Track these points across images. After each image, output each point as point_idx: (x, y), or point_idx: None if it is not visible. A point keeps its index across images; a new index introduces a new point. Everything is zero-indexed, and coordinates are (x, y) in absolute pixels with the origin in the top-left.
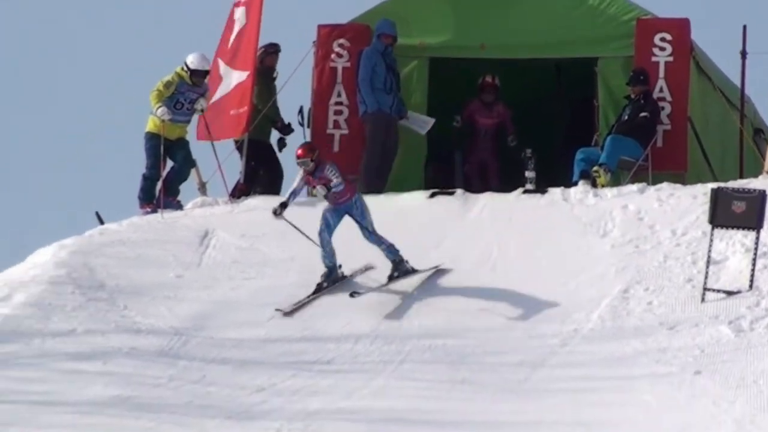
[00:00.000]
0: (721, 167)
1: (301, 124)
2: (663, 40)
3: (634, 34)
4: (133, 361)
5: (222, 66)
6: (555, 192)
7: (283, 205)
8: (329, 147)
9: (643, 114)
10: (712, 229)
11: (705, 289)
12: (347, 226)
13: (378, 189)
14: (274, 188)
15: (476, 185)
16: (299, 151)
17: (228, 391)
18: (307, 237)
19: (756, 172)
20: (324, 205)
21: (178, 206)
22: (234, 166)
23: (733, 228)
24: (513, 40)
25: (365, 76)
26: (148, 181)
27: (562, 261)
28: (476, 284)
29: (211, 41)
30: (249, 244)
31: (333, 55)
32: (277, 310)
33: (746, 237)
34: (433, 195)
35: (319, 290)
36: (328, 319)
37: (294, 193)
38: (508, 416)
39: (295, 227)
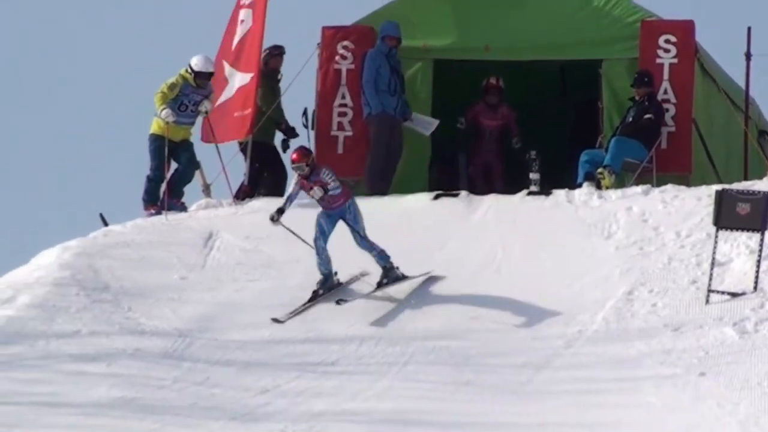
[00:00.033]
0: (725, 169)
1: (306, 126)
2: (667, 42)
3: (639, 36)
4: (138, 362)
5: (227, 68)
6: (559, 194)
7: (280, 211)
8: (333, 149)
9: (647, 116)
10: (717, 230)
11: (709, 290)
12: (341, 232)
13: (382, 190)
14: (278, 190)
15: (480, 187)
16: (294, 156)
17: (232, 393)
18: (305, 242)
19: (760, 174)
20: (318, 209)
21: (183, 208)
22: (238, 168)
23: (737, 230)
24: (517, 42)
25: (369, 78)
26: (153, 182)
27: (566, 263)
28: (480, 286)
29: (213, 41)
30: (253, 245)
31: (337, 57)
32: (273, 319)
33: (751, 239)
34: (437, 197)
35: (315, 297)
36: (333, 321)
37: (290, 199)
38: (512, 418)
39: (292, 233)
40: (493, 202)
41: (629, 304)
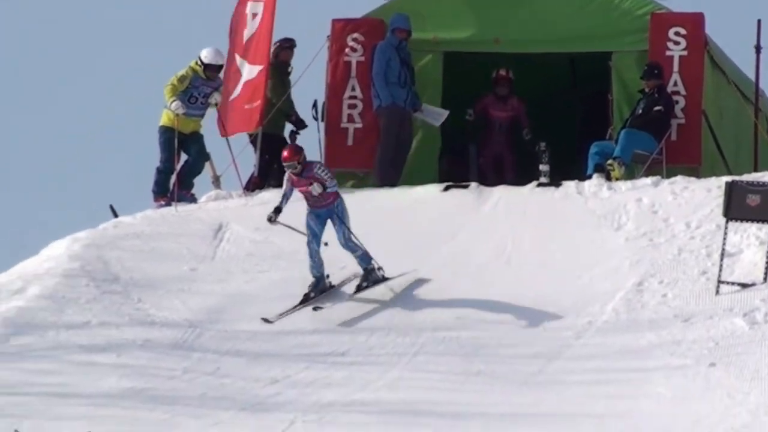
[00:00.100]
0: (735, 161)
1: (315, 118)
2: (677, 34)
3: (649, 29)
4: (147, 353)
5: (238, 59)
6: (569, 185)
7: (278, 210)
8: (343, 141)
9: (657, 108)
10: (727, 222)
11: (719, 281)
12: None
13: (392, 182)
14: None
15: (491, 178)
16: (285, 154)
17: (242, 384)
18: (305, 234)
19: None
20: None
21: (192, 199)
22: (248, 160)
23: (747, 221)
24: (527, 35)
25: (379, 70)
26: (163, 174)
27: (576, 254)
28: (490, 277)
29: (218, 31)
30: (263, 237)
31: (347, 50)
32: (263, 319)
33: (761, 230)
34: (447, 188)
35: (306, 300)
36: (342, 312)
37: (286, 197)
38: (522, 408)
39: (292, 228)
40: (503, 193)
41: (639, 295)
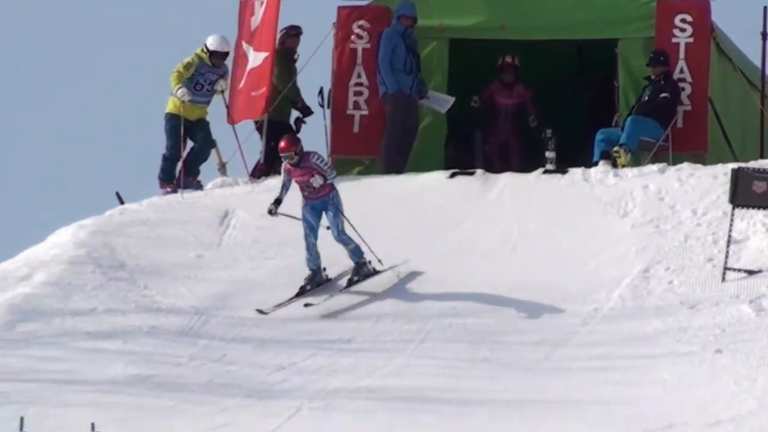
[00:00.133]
0: (741, 147)
1: (321, 105)
2: (683, 21)
3: (655, 16)
4: (154, 340)
5: (245, 46)
6: (575, 172)
7: (278, 202)
8: (349, 128)
9: (663, 95)
10: (733, 208)
11: (726, 268)
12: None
13: (398, 169)
14: None
15: (497, 165)
16: (282, 145)
17: (248, 370)
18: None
19: None
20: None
21: (198, 186)
22: (254, 147)
23: (753, 208)
24: (533, 22)
25: (385, 57)
26: (169, 161)
27: (582, 241)
28: (496, 264)
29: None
30: (269, 223)
31: (353, 37)
32: (257, 310)
33: (767, 217)
34: (453, 175)
35: (302, 293)
36: (349, 298)
37: (285, 187)
38: (529, 395)
39: (294, 218)
40: (509, 180)
41: (645, 282)
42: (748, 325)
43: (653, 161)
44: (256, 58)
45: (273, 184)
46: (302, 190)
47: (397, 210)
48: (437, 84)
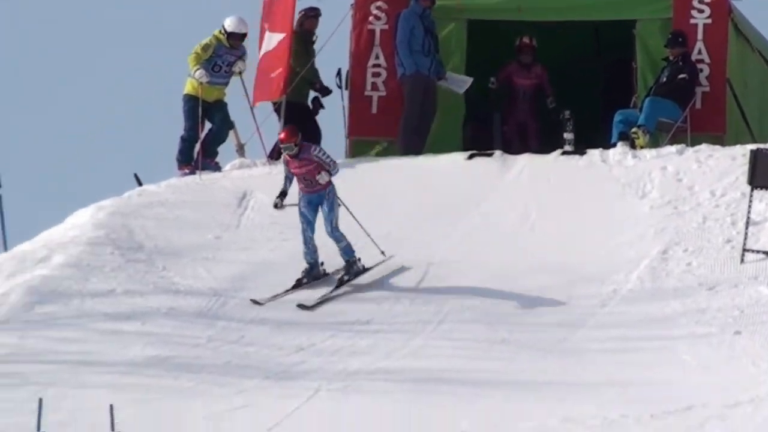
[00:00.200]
0: (760, 129)
1: (339, 87)
2: (701, 2)
3: None
4: (172, 321)
5: (267, 28)
6: (594, 153)
7: (283, 194)
8: (367, 109)
9: (681, 76)
10: (752, 190)
11: (744, 249)
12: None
13: (417, 150)
14: None
15: (515, 146)
16: (282, 136)
17: (266, 352)
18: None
19: None
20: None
21: (217, 168)
22: (272, 128)
23: None
24: (550, 3)
25: (403, 38)
26: (187, 142)
27: (600, 222)
28: (515, 245)
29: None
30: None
31: (371, 18)
32: (252, 301)
33: None
34: (471, 156)
35: (299, 286)
36: (367, 279)
37: (288, 179)
38: (547, 376)
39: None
40: (527, 161)
41: (664, 263)
42: (766, 307)
43: (672, 142)
44: (274, 38)
45: None
46: (299, 182)
47: (416, 191)
48: (455, 65)
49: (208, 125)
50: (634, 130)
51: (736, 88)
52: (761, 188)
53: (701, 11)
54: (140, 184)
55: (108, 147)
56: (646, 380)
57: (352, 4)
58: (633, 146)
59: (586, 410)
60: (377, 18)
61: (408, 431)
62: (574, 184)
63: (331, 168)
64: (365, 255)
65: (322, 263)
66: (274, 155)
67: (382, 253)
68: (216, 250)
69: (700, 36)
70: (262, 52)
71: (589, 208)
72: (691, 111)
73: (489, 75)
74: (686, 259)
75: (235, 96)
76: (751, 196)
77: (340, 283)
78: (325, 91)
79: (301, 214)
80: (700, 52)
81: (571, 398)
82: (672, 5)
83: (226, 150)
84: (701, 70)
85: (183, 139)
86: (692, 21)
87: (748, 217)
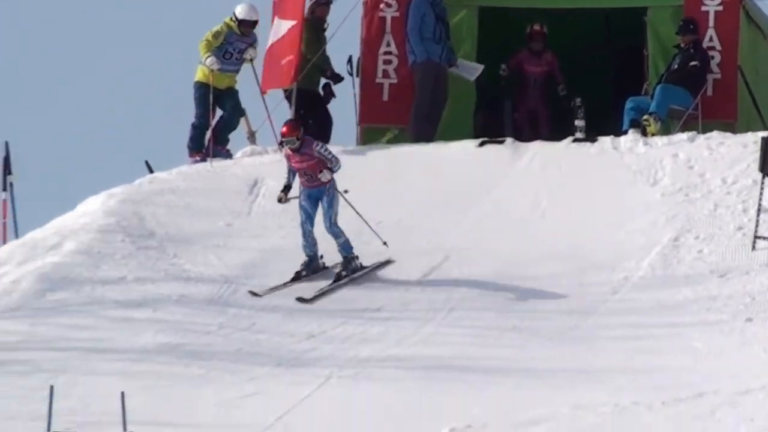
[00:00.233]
0: None
1: (351, 74)
2: None
3: None
4: (183, 308)
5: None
6: (605, 141)
7: (287, 188)
8: (378, 96)
9: (693, 63)
10: (763, 177)
11: (756, 237)
12: (345, 220)
13: (428, 137)
14: (323, 137)
15: (526, 134)
16: (284, 130)
17: (278, 339)
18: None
19: None
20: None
21: (228, 155)
22: (283, 115)
23: None
24: None
25: (414, 25)
26: (198, 130)
27: (612, 209)
28: (526, 233)
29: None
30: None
31: (382, 5)
32: (250, 292)
33: None
34: (482, 143)
35: (298, 279)
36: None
37: (291, 172)
38: (558, 363)
39: None
40: (538, 148)
41: (675, 250)
42: None
43: (683, 129)
44: (284, 25)
45: None
46: (300, 176)
47: (426, 179)
48: (466, 52)
49: (219, 112)
50: (645, 117)
51: (748, 75)
52: None
53: None
54: (151, 171)
55: (119, 134)
56: (657, 367)
57: None
58: (644, 133)
59: (597, 397)
60: (388, 5)
61: (419, 418)
62: (585, 172)
63: (332, 164)
64: (370, 246)
65: (322, 256)
66: None
67: (384, 243)
68: (227, 237)
69: (711, 23)
70: (271, 39)
71: (600, 196)
72: (702, 98)
73: (500, 62)
74: (697, 247)
75: (246, 83)
76: (762, 183)
77: (338, 278)
78: (337, 79)
79: (301, 207)
80: (711, 40)
81: (582, 385)
82: None
83: (237, 137)
84: (712, 58)
85: (194, 127)
86: (703, 8)
87: (760, 204)
